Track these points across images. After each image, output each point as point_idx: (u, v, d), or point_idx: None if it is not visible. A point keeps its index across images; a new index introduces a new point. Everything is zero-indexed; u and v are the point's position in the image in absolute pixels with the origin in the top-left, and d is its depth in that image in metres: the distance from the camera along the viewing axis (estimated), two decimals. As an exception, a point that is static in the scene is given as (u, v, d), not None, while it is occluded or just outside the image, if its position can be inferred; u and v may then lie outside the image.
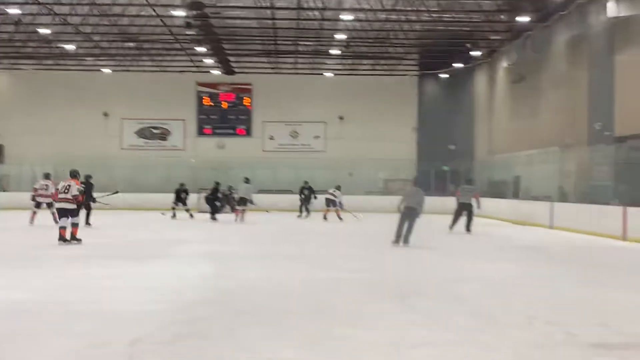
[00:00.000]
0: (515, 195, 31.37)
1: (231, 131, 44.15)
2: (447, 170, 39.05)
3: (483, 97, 40.70)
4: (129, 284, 10.50)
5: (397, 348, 6.60)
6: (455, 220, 22.36)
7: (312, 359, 6.22)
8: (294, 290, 9.98)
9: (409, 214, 17.15)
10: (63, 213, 16.50)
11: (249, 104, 44.11)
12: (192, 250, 15.81)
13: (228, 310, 8.28)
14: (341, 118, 43.59)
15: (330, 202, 29.12)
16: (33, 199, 23.49)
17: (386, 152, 41.44)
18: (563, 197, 26.52)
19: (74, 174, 17.41)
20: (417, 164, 42.16)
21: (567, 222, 23.50)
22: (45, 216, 22.92)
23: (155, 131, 43.95)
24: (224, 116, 44.10)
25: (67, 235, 16.43)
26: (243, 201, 27.50)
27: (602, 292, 10.24)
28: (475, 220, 22.96)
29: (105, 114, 43.26)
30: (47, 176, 24.13)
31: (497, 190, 33.76)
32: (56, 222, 19.58)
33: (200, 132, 44.05)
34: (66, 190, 16.60)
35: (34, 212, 23.37)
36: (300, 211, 31.45)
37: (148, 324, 7.43)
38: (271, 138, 44.01)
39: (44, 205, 23.52)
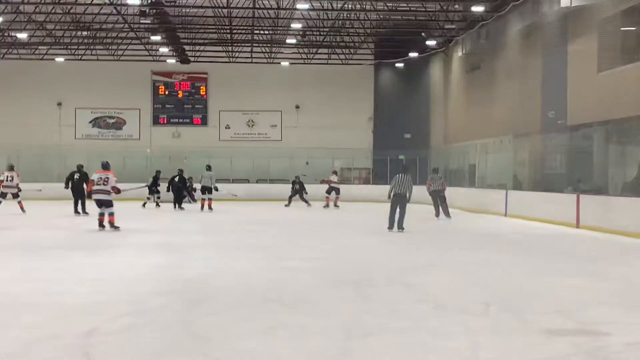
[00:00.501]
0: (471, 184, 31.61)
1: (187, 120, 43.82)
2: (403, 159, 39.21)
3: (438, 86, 40.92)
4: (81, 275, 10.38)
5: (351, 336, 6.59)
6: (437, 208, 24.06)
7: (267, 348, 6.18)
8: (248, 280, 9.93)
9: (399, 201, 17.86)
10: (99, 204, 17.48)
11: (204, 93, 43.82)
12: (146, 240, 15.67)
13: (182, 301, 8.21)
14: (297, 107, 43.51)
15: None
16: None
17: (342, 141, 41.48)
18: (517, 185, 26.78)
19: (107, 166, 18.03)
20: (373, 153, 42.33)
21: (522, 210, 23.74)
22: (10, 206, 22.81)
23: (110, 120, 43.47)
24: (180, 105, 43.74)
25: (105, 223, 17.51)
26: (207, 189, 27.40)
27: (557, 279, 10.35)
28: (429, 208, 23.55)
29: (59, 104, 42.66)
30: (11, 167, 24.21)
31: (453, 179, 33.98)
32: (23, 211, 20.48)
33: (156, 122, 43.66)
34: (105, 182, 17.40)
35: None
36: (289, 202, 31.49)
37: (100, 315, 7.33)
38: (227, 127, 43.78)
39: (9, 195, 23.54)
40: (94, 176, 17.73)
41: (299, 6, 31.39)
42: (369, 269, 11.15)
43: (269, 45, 41.09)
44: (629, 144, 21.22)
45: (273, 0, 31.92)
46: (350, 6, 32.95)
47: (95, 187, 17.46)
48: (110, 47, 40.30)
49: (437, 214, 23.93)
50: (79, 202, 23.07)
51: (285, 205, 30.92)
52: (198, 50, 41.63)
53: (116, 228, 17.48)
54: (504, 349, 6.21)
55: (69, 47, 40.32)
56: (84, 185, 22.13)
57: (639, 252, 14.49)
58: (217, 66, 42.96)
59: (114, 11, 32.95)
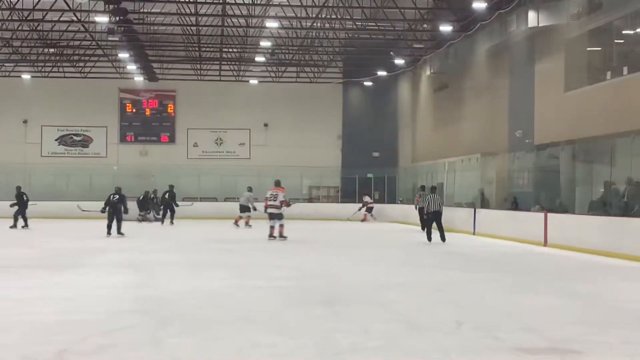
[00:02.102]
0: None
1: (155, 138, 43.61)
2: (371, 178, 39.33)
3: (407, 104, 41.13)
4: (49, 294, 10.25)
5: (324, 355, 6.56)
6: (424, 225, 24.35)
7: (239, 368, 6.15)
8: (219, 299, 9.87)
9: (436, 217, 20.59)
10: (272, 217, 20.68)
11: (172, 111, 43.67)
12: (116, 259, 15.56)
13: (152, 320, 8.13)
14: (266, 125, 43.50)
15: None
16: None
17: (311, 159, 41.54)
18: (485, 204, 26.91)
19: (278, 184, 21.42)
20: (341, 171, 42.38)
21: (490, 229, 23.84)
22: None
23: (76, 138, 43.13)
24: (147, 123, 43.53)
25: (275, 233, 20.62)
26: (244, 208, 29.24)
27: (527, 297, 10.38)
28: (400, 226, 23.61)
29: (25, 121, 42.28)
30: None
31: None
32: None
33: (123, 139, 43.39)
34: (274, 199, 20.50)
35: None
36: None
37: (71, 335, 7.23)
38: (195, 145, 43.63)
39: None
40: (268, 193, 20.91)
41: (268, 24, 31.44)
42: (340, 288, 11.12)
43: (237, 63, 41.10)
44: (595, 162, 21.44)
45: (242, 19, 31.92)
46: (319, 25, 33.06)
47: (269, 203, 20.57)
48: (77, 65, 40.09)
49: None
50: (114, 223, 22.98)
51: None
52: (166, 68, 41.53)
53: (284, 238, 20.55)
54: (477, 367, 6.21)
55: (36, 64, 40.06)
56: (122, 207, 23.04)
57: (607, 270, 14.57)
58: (185, 84, 42.87)
59: (82, 28, 32.77)
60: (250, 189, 30.30)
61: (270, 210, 20.69)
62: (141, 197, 33.48)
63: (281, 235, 20.63)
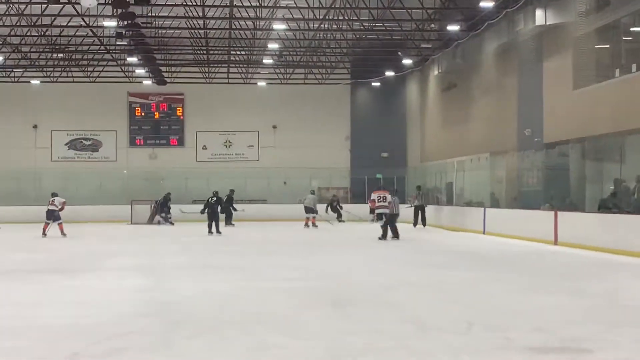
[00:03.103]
0: (449, 202, 31.68)
1: (164, 141, 43.63)
2: (380, 178, 39.29)
3: (415, 104, 41.09)
4: (61, 298, 10.30)
5: (334, 356, 6.57)
6: (416, 219, 29.11)
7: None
8: (229, 301, 9.90)
9: (393, 218, 22.03)
10: (380, 216, 22.09)
11: (181, 114, 43.70)
12: (127, 262, 15.61)
13: (163, 323, 8.16)
14: (274, 127, 43.48)
15: None
16: None
17: (320, 160, 41.51)
18: (495, 203, 26.87)
19: (383, 187, 23.91)
20: (350, 172, 42.38)
21: (500, 228, 23.80)
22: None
23: (86, 143, 43.19)
24: (156, 126, 43.57)
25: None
26: (309, 210, 30.95)
27: (538, 296, 10.36)
28: (409, 226, 23.82)
29: (35, 126, 42.35)
30: None
31: (431, 197, 34.06)
32: None
33: (132, 143, 43.42)
34: (384, 199, 21.95)
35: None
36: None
37: (82, 339, 7.27)
38: (204, 148, 43.65)
39: None
40: (373, 195, 22.29)
41: (275, 27, 31.48)
42: (350, 288, 11.14)
43: (245, 65, 41.11)
44: (604, 160, 21.35)
45: (250, 21, 31.94)
46: (326, 26, 33.05)
47: (378, 204, 21.88)
48: (86, 69, 40.17)
49: (415, 224, 28.68)
50: (214, 223, 25.96)
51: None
52: (174, 72, 41.55)
53: (397, 238, 22.10)
54: (488, 367, 6.21)
55: (45, 69, 40.11)
56: (218, 208, 26.64)
57: (618, 268, 14.53)
58: (194, 87, 42.91)
59: (90, 33, 32.86)
60: (313, 192, 32.71)
61: (379, 210, 21.96)
62: (161, 200, 33.61)
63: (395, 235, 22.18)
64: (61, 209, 24.98)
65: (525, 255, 17.49)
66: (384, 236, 21.91)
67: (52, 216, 24.89)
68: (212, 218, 25.95)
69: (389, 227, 22.12)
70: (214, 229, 25.77)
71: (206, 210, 26.15)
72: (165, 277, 12.71)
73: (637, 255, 15.91)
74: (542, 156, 24.38)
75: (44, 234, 24.41)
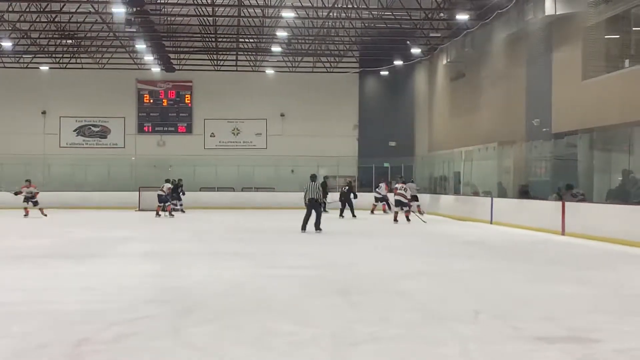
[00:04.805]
0: (456, 192, 31.68)
1: (172, 129, 43.70)
2: (388, 167, 39.30)
3: (423, 94, 41.04)
4: (70, 284, 10.35)
5: (342, 344, 6.60)
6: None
7: (258, 357, 6.19)
8: (238, 288, 9.93)
9: (314, 205, 20.47)
10: (398, 204, 25.48)
11: (189, 102, 43.74)
12: (136, 248, 15.66)
13: (172, 309, 8.19)
14: (282, 115, 43.50)
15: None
16: None
17: (327, 148, 41.55)
18: (502, 193, 26.86)
19: (405, 180, 27.07)
20: (358, 161, 42.39)
21: (507, 218, 23.81)
22: None
23: (94, 129, 43.28)
24: (165, 113, 43.63)
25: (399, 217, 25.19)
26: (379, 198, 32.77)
27: (545, 286, 10.38)
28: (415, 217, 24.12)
29: (44, 112, 42.47)
30: None
31: (438, 186, 34.08)
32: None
33: (141, 130, 43.51)
34: (405, 190, 25.50)
35: None
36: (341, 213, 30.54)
37: (91, 324, 7.31)
38: (212, 135, 43.71)
39: None
40: (399, 186, 25.69)
41: (284, 14, 31.44)
42: (358, 277, 11.16)
43: (254, 53, 41.11)
44: (613, 151, 21.33)
45: (258, 9, 31.94)
46: (335, 14, 33.02)
47: (398, 191, 25.43)
48: (95, 56, 40.22)
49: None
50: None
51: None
52: (183, 59, 41.61)
53: (409, 221, 25.07)
54: (495, 356, 6.23)
55: (54, 55, 40.20)
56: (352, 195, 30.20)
57: (625, 258, 14.54)
58: (202, 74, 42.94)
59: (99, 19, 32.90)
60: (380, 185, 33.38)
61: (397, 197, 25.50)
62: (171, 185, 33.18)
63: (407, 219, 25.45)
64: (167, 194, 29.45)
65: (533, 245, 17.51)
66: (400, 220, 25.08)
67: (161, 200, 29.23)
68: (345, 204, 29.94)
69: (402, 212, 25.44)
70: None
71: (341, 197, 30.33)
72: (174, 264, 12.74)
73: (644, 246, 15.92)
74: (550, 146, 24.34)
75: (157, 214, 29.18)
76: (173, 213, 29.78)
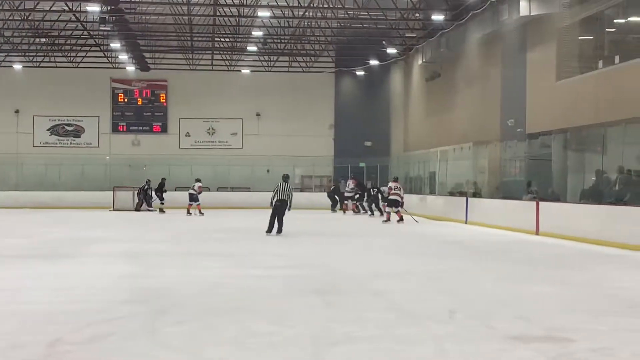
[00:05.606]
0: (432, 191, 31.77)
1: (147, 128, 43.47)
2: (364, 167, 39.36)
3: (399, 94, 41.14)
4: (43, 284, 10.28)
5: (319, 344, 6.60)
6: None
7: (235, 356, 6.18)
8: (215, 288, 9.90)
9: (282, 206, 19.40)
10: (392, 203, 25.50)
11: (164, 101, 43.54)
12: (112, 249, 15.57)
13: (147, 310, 8.15)
14: (258, 115, 43.42)
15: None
16: None
17: (303, 148, 41.53)
18: (477, 193, 26.98)
19: (397, 179, 27.46)
20: (334, 160, 42.41)
21: (482, 218, 23.91)
22: None
23: (68, 128, 42.97)
24: (139, 113, 43.38)
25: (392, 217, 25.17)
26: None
27: (521, 286, 10.43)
28: (393, 216, 24.16)
29: (17, 111, 42.10)
30: None
31: (414, 186, 34.16)
32: None
33: (115, 129, 43.24)
34: (399, 189, 25.64)
35: None
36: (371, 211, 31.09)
37: (65, 324, 7.26)
38: (187, 135, 43.55)
39: None
40: (392, 185, 25.91)
41: (260, 14, 31.40)
42: (336, 277, 11.17)
43: (229, 52, 41.02)
44: (587, 151, 21.47)
45: (234, 8, 31.86)
46: (311, 14, 33.02)
47: (392, 191, 25.41)
48: (69, 54, 39.97)
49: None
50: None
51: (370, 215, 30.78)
52: (158, 58, 41.43)
53: (401, 221, 24.93)
54: (471, 356, 6.25)
55: (27, 54, 39.90)
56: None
57: (599, 258, 14.64)
58: (177, 74, 42.76)
59: (73, 18, 32.68)
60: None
61: (392, 197, 25.45)
62: (145, 185, 33.42)
63: (401, 220, 25.05)
64: (199, 193, 30.06)
65: (508, 245, 17.58)
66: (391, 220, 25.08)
67: (192, 198, 29.94)
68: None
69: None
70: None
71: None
72: (150, 264, 12.68)
73: (618, 245, 16.04)
74: (524, 146, 24.48)
75: (189, 212, 29.99)
76: (202, 212, 30.12)
